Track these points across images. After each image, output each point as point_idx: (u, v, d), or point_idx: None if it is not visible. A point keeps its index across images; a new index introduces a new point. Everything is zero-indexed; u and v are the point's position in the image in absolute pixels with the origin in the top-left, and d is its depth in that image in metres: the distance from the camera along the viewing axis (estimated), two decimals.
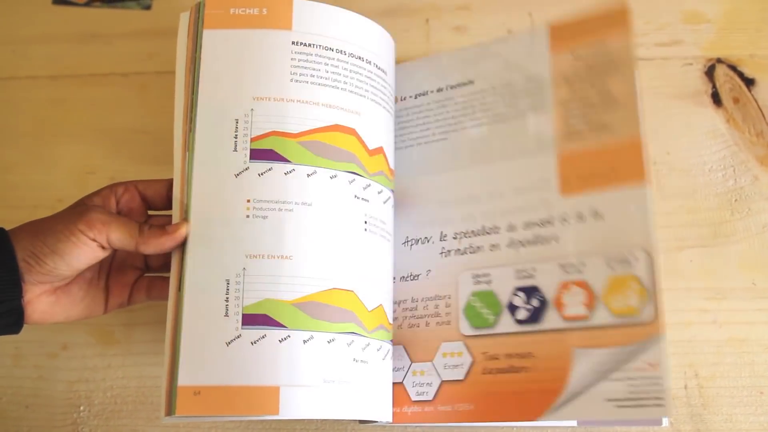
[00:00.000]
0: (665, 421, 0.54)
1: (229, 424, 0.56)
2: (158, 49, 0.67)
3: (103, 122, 0.65)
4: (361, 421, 0.55)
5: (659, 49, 0.65)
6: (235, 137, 0.50)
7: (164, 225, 0.49)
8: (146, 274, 0.54)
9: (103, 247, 0.47)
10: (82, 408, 0.57)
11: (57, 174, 0.63)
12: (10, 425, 0.57)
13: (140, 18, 0.68)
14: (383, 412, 0.52)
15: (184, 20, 0.53)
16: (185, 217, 0.49)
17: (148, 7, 0.68)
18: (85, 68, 0.67)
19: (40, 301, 0.48)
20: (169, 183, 0.52)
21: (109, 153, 0.64)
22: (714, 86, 0.63)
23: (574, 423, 0.53)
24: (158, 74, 0.66)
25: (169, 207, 0.52)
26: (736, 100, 0.63)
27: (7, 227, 0.61)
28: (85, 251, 0.46)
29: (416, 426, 0.55)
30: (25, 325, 0.48)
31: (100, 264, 0.51)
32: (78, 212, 0.47)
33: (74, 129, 0.65)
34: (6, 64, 0.67)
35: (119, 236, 0.47)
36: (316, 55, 0.53)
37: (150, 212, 0.53)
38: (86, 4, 0.69)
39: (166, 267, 0.53)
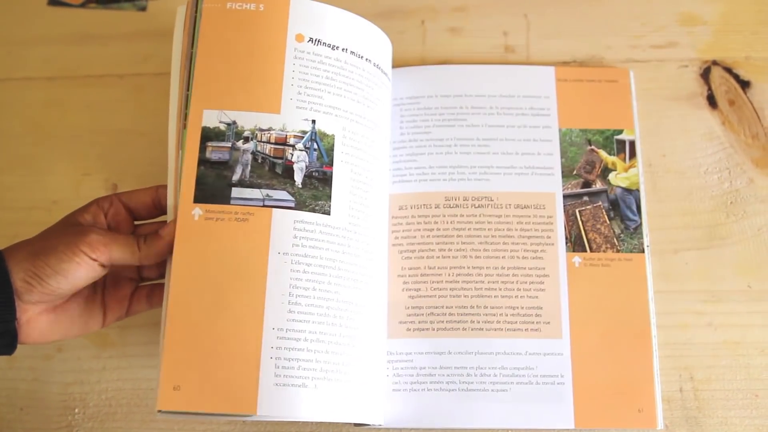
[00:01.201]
0: (660, 424, 0.54)
1: (225, 427, 0.56)
2: (154, 50, 0.66)
3: (98, 124, 0.65)
4: (356, 424, 0.55)
5: (655, 51, 0.65)
6: None
7: (157, 231, 0.49)
8: (144, 283, 0.54)
9: (104, 266, 0.48)
10: (76, 410, 0.57)
11: (52, 175, 0.63)
12: (4, 427, 0.57)
13: (136, 19, 0.68)
14: (375, 416, 0.52)
15: (181, 15, 0.53)
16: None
17: (143, 9, 0.68)
18: (81, 70, 0.66)
19: (39, 320, 0.48)
20: (153, 191, 0.52)
21: (105, 154, 0.64)
22: (709, 88, 0.63)
23: (571, 425, 0.54)
24: (154, 76, 0.66)
25: (155, 215, 0.53)
26: (731, 103, 0.63)
27: (3, 228, 0.61)
28: (86, 270, 0.47)
29: (411, 428, 0.55)
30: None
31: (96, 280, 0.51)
32: (77, 232, 0.47)
33: (70, 130, 0.65)
34: (1, 65, 0.67)
35: (121, 255, 0.48)
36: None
37: (136, 222, 0.53)
38: (82, 6, 0.69)
39: (161, 275, 0.53)
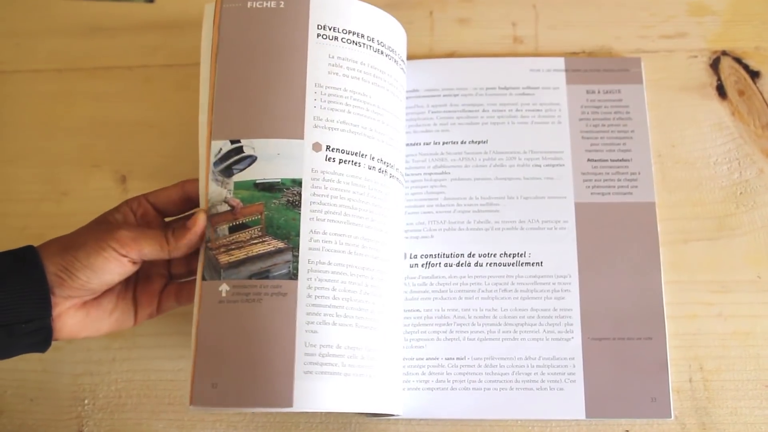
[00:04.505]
0: (671, 414, 0.54)
1: (234, 417, 0.56)
2: (162, 42, 0.66)
3: (107, 115, 0.65)
4: (369, 415, 0.55)
5: (664, 41, 0.64)
6: None
7: (185, 223, 0.49)
8: (173, 281, 0.54)
9: (134, 262, 0.48)
10: (86, 401, 0.57)
11: (61, 167, 0.63)
12: (15, 418, 0.57)
13: (144, 11, 0.68)
14: (395, 406, 0.52)
15: (209, 10, 0.53)
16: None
17: (151, 0, 0.68)
18: (89, 61, 0.66)
19: (70, 316, 0.48)
20: (179, 187, 0.52)
21: (114, 146, 0.64)
22: (719, 79, 0.63)
23: (582, 416, 0.54)
24: (163, 67, 0.66)
25: (184, 210, 0.53)
26: (741, 93, 0.62)
27: (13, 220, 0.62)
28: (116, 266, 0.47)
29: (420, 420, 0.55)
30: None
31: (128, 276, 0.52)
32: (106, 229, 0.48)
33: (79, 122, 0.65)
34: (10, 57, 0.67)
35: (150, 249, 0.48)
36: None
37: (167, 219, 0.53)
38: None
39: (190, 272, 0.53)
